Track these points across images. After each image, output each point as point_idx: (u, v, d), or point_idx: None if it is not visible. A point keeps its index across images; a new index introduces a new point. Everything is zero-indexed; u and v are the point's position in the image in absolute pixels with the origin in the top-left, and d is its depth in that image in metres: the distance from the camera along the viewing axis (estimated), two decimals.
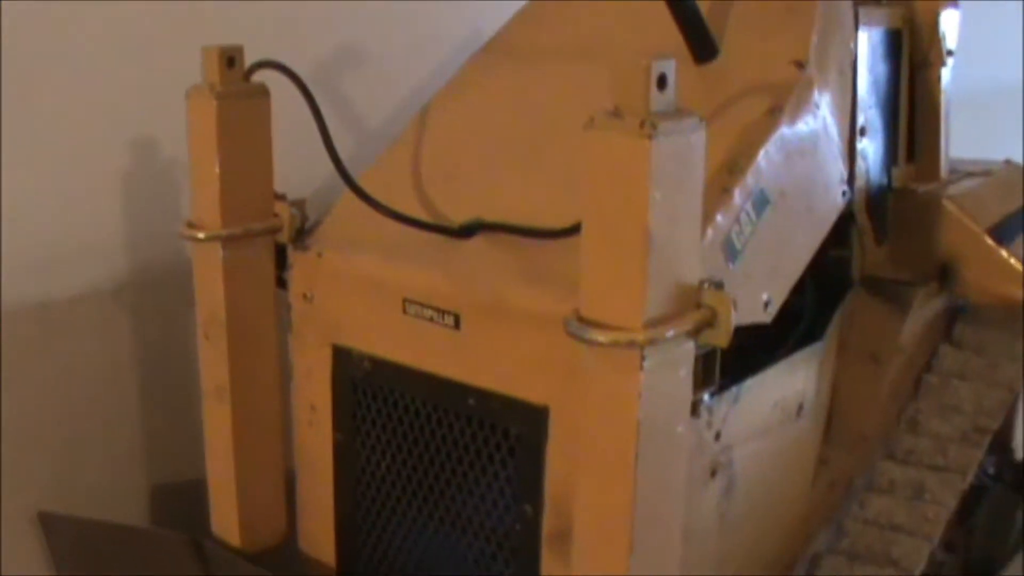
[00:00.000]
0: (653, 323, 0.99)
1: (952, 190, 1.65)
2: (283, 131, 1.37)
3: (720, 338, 1.05)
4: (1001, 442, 1.68)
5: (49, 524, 1.53)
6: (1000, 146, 1.97)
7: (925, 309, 1.59)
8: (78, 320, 1.57)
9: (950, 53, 1.67)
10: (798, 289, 1.44)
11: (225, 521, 1.44)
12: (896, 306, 1.55)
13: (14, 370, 1.51)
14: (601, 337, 0.99)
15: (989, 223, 1.62)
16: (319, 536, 1.43)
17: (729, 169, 1.20)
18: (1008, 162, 1.85)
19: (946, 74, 1.68)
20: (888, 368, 1.53)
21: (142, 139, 1.59)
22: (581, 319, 1.01)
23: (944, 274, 1.60)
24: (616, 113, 0.97)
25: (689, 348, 1.04)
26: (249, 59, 1.34)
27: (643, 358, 0.99)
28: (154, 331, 1.64)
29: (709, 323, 1.04)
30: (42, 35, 1.47)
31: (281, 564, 1.45)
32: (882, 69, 1.58)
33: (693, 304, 1.04)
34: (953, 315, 1.66)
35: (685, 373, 1.05)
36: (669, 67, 0.97)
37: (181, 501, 1.63)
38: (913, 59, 1.65)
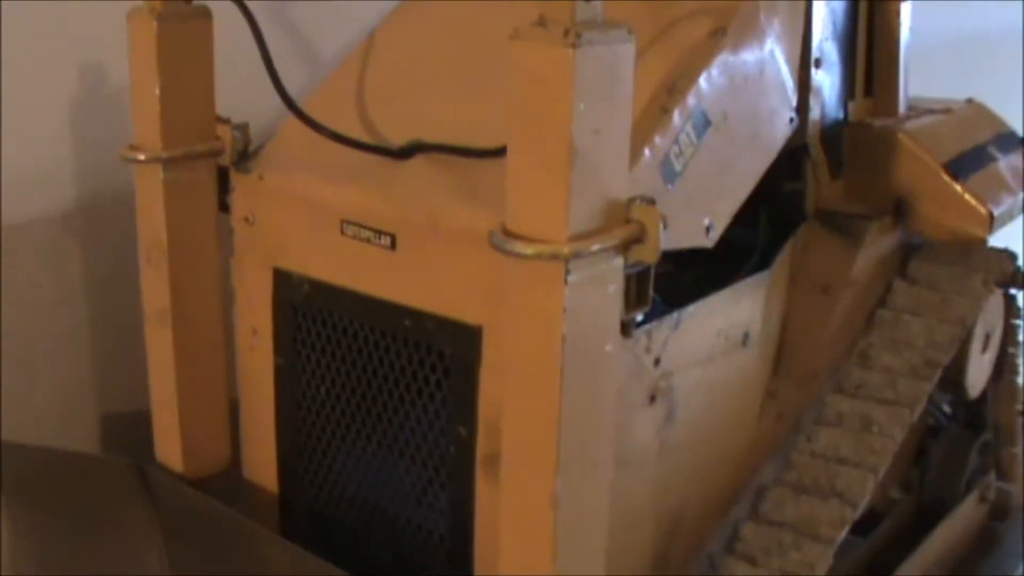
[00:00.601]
0: (578, 237, 0.98)
1: (909, 125, 1.64)
2: (237, 55, 1.35)
3: (649, 254, 1.04)
4: (955, 380, 1.67)
5: None
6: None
7: (879, 244, 1.58)
8: (27, 247, 1.56)
9: None
10: (752, 222, 1.43)
11: (168, 447, 1.43)
12: (849, 239, 1.54)
13: None
14: (524, 249, 0.98)
15: (946, 158, 1.60)
16: (261, 462, 1.42)
17: (669, 89, 1.19)
18: (970, 101, 1.84)
19: (906, 8, 1.66)
20: (839, 301, 1.52)
21: (91, 64, 1.57)
22: (506, 232, 1.00)
23: (899, 209, 1.59)
24: (540, 23, 0.96)
25: (618, 265, 1.03)
26: None
27: (568, 272, 0.98)
28: (104, 258, 1.63)
29: (638, 239, 1.03)
30: None
31: (225, 490, 1.44)
32: (839, 3, 1.57)
33: (622, 220, 1.03)
34: (908, 251, 1.65)
35: (614, 290, 1.04)
36: None
37: (133, 430, 1.62)
38: None
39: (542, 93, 0.96)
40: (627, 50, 0.98)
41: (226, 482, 1.46)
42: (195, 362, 1.40)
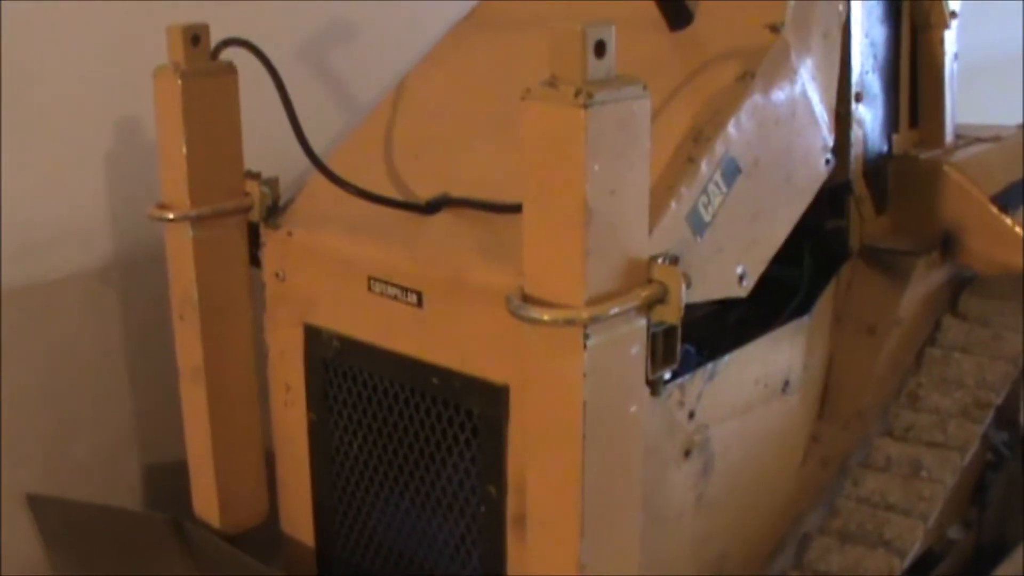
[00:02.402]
0: (596, 300, 0.96)
1: (956, 156, 1.59)
2: (263, 112, 1.35)
3: (671, 314, 1.01)
4: (1010, 419, 1.62)
5: (37, 506, 1.52)
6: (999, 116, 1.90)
7: (926, 280, 1.54)
8: (66, 301, 1.57)
9: (953, 15, 1.61)
10: (795, 259, 1.40)
11: (205, 502, 1.43)
12: (895, 277, 1.50)
13: (4, 352, 1.50)
14: (541, 315, 0.96)
15: (994, 189, 1.56)
16: (298, 516, 1.41)
17: (694, 138, 1.16)
18: (1022, 127, 1.79)
19: (949, 36, 1.62)
20: (886, 341, 1.48)
21: (126, 121, 1.57)
22: (524, 297, 0.98)
23: (947, 243, 1.54)
24: (551, 82, 0.94)
25: (640, 325, 1.01)
26: (228, 35, 1.32)
27: (586, 336, 0.96)
28: (142, 311, 1.63)
29: (660, 299, 1.00)
30: (31, 21, 1.46)
31: (262, 543, 1.43)
32: (880, 32, 1.53)
33: (643, 280, 1.00)
34: (958, 286, 1.60)
35: (637, 351, 1.02)
36: (608, 33, 0.93)
37: (172, 482, 1.62)
38: (915, 21, 1.60)
39: (554, 154, 0.94)
40: (642, 106, 0.96)
41: (263, 535, 1.45)
42: (230, 417, 1.39)
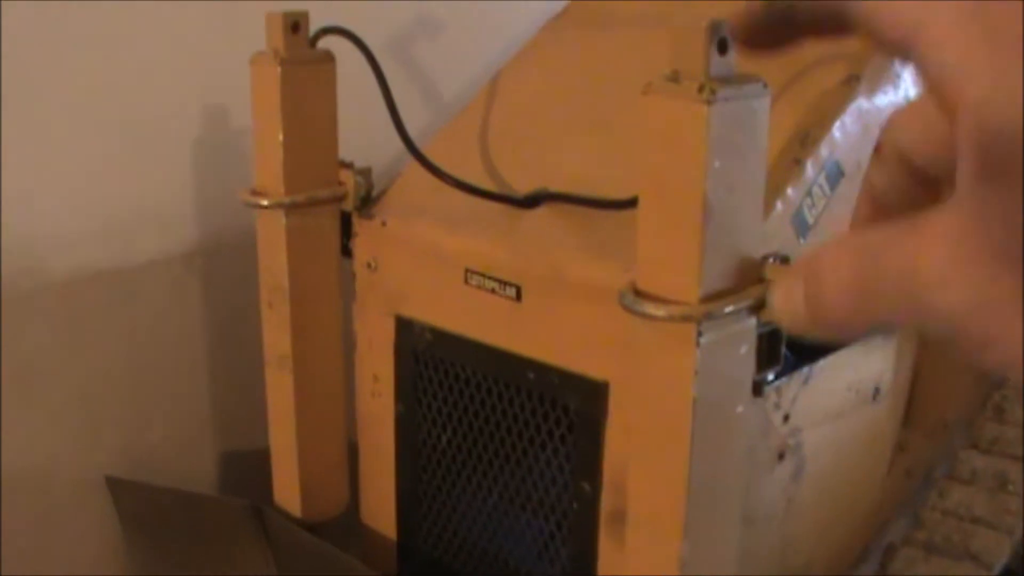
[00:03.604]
0: (711, 297, 0.95)
1: None
2: (357, 99, 1.35)
3: None
4: None
5: (116, 489, 1.53)
6: None
7: None
8: (150, 286, 1.57)
9: None
10: None
11: (286, 490, 1.43)
12: None
13: (87, 335, 1.51)
14: (655, 311, 0.96)
15: None
16: (380, 508, 1.41)
17: (801, 140, 1.16)
18: None
19: None
20: None
21: (213, 107, 1.58)
22: (636, 292, 0.98)
23: None
24: (674, 77, 0.93)
25: (750, 325, 1.00)
26: (323, 24, 1.32)
27: (699, 333, 0.95)
28: (225, 297, 1.63)
29: None
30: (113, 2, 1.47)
31: (342, 535, 1.43)
32: None
33: (755, 279, 1.00)
34: None
35: (746, 351, 1.01)
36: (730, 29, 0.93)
37: (249, 469, 1.62)
38: None
39: (675, 150, 0.94)
40: (763, 104, 0.95)
41: (343, 526, 1.46)
42: (315, 407, 1.39)
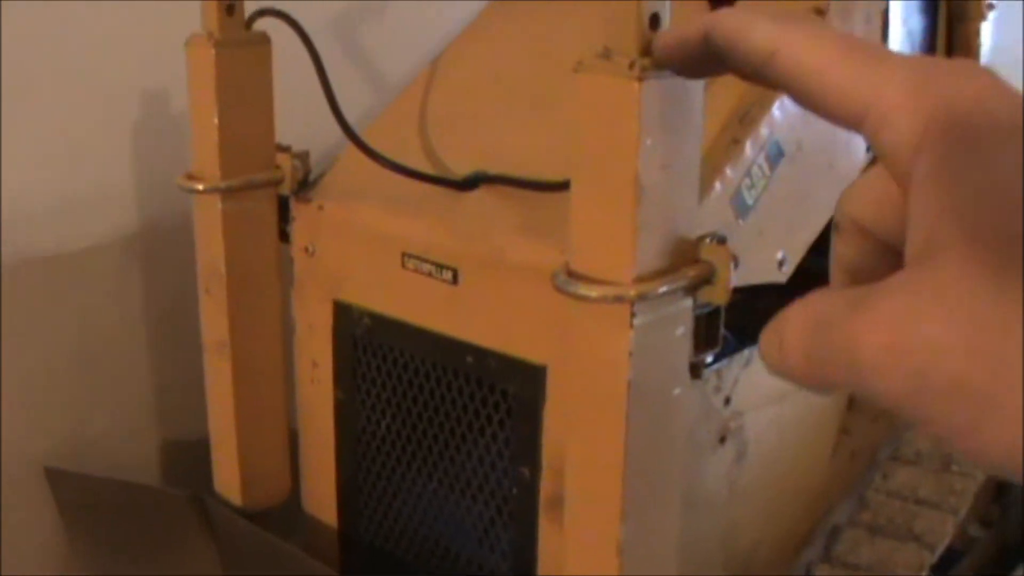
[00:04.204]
0: (644, 278, 0.94)
1: None
2: (297, 82, 1.33)
3: (719, 295, 1.00)
4: None
5: (55, 480, 1.51)
6: None
7: None
8: (88, 271, 1.55)
9: (991, 7, 1.59)
10: (825, 250, 1.38)
11: (227, 479, 1.41)
12: None
13: (24, 321, 1.49)
14: (588, 291, 0.94)
15: None
16: (321, 495, 1.40)
17: (740, 119, 1.15)
18: None
19: (986, 29, 1.60)
20: None
21: (152, 89, 1.56)
22: (570, 273, 0.97)
23: None
24: (605, 54, 0.92)
25: (686, 306, 0.99)
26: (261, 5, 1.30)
27: (633, 315, 0.94)
28: (165, 283, 1.61)
29: (707, 279, 0.99)
30: None
31: (284, 523, 1.42)
32: (917, 22, 1.51)
33: (691, 259, 0.99)
34: None
35: (682, 332, 1.00)
36: (663, 7, 0.92)
37: (192, 457, 1.60)
38: (951, 12, 1.58)
39: (606, 127, 0.92)
40: (696, 83, 0.94)
41: (285, 514, 1.44)
42: (254, 394, 1.37)
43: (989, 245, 0.32)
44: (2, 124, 1.42)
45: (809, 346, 0.36)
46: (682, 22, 0.48)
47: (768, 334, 0.38)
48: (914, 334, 0.32)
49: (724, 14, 0.44)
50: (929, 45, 1.55)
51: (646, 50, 0.90)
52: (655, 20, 0.91)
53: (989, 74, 0.35)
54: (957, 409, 0.31)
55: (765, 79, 0.42)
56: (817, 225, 1.25)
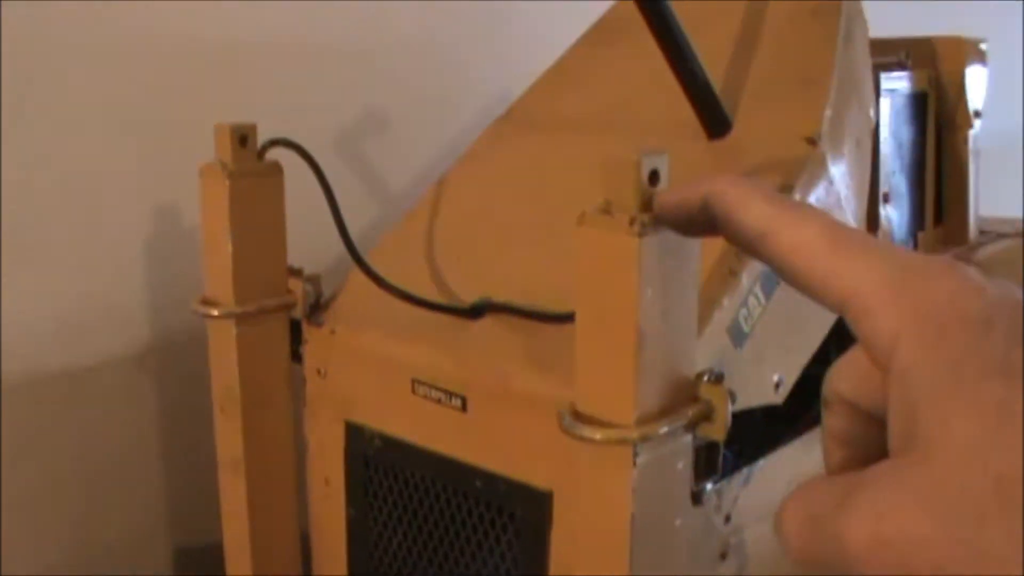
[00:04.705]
0: (645, 419, 0.98)
1: (982, 253, 1.62)
2: (304, 201, 1.38)
3: (717, 432, 1.04)
4: None
5: None
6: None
7: None
8: (102, 386, 1.59)
9: (977, 114, 1.65)
10: (822, 359, 1.42)
11: None
12: None
13: (37, 435, 1.53)
14: (593, 434, 0.99)
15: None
16: None
17: (737, 251, 1.19)
18: None
19: (973, 135, 1.66)
20: None
21: (164, 207, 1.60)
22: (575, 414, 1.01)
23: None
24: (606, 209, 0.96)
25: (686, 441, 1.03)
26: (265, 127, 1.35)
27: (636, 454, 0.98)
28: (177, 396, 1.65)
29: (706, 416, 1.03)
30: (63, 99, 1.49)
31: None
32: (906, 132, 1.57)
33: (690, 397, 1.03)
34: None
35: (683, 466, 1.04)
36: (661, 162, 0.96)
37: (203, 565, 1.64)
38: (939, 120, 1.63)
39: (608, 279, 0.97)
40: None
41: None
42: (268, 509, 1.41)
43: (964, 441, 0.34)
44: (14, 238, 1.46)
45: (805, 537, 0.39)
46: (689, 174, 0.51)
47: (775, 521, 0.42)
48: (895, 527, 0.35)
49: (722, 183, 0.49)
50: (919, 153, 1.61)
51: (646, 206, 0.94)
52: (654, 176, 0.96)
53: (962, 272, 0.39)
54: None
55: (755, 255, 0.46)
56: (811, 347, 1.30)
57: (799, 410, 1.38)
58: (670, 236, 0.96)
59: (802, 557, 0.40)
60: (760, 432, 1.32)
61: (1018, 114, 3.17)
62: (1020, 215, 1.84)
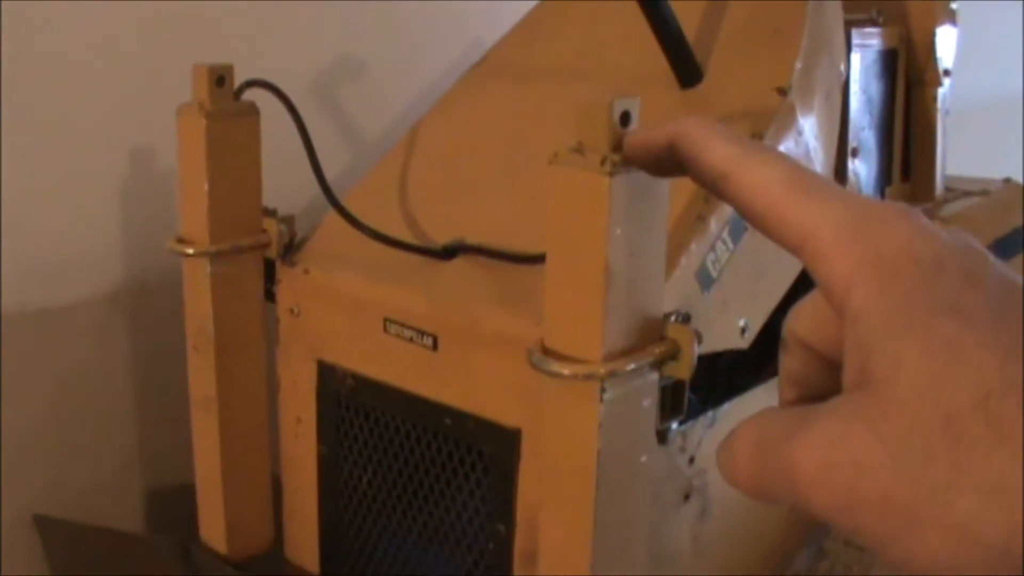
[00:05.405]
0: (613, 356, 1.00)
1: (946, 210, 1.65)
2: (280, 143, 1.39)
3: (682, 371, 1.06)
4: None
5: (45, 527, 1.56)
6: (1000, 160, 1.97)
7: None
8: (75, 326, 1.60)
9: (947, 73, 1.67)
10: (786, 309, 1.45)
11: (212, 528, 1.46)
12: None
13: (11, 375, 1.54)
14: (561, 369, 1.01)
15: (983, 244, 1.61)
16: (304, 545, 1.45)
17: (705, 197, 1.21)
18: (1008, 181, 1.85)
19: (942, 94, 1.68)
20: None
21: (140, 148, 1.61)
22: (544, 350, 1.03)
23: None
24: (578, 149, 0.98)
25: (653, 380, 1.06)
26: (241, 70, 1.36)
27: (603, 390, 1.01)
28: (150, 337, 1.67)
29: (672, 356, 1.05)
30: (41, 43, 1.49)
31: (267, 571, 1.47)
32: (876, 89, 1.59)
33: (657, 336, 1.05)
34: None
35: (649, 404, 1.07)
36: (633, 104, 0.98)
37: (175, 504, 1.65)
38: (909, 78, 1.66)
39: (578, 218, 0.99)
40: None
41: (268, 562, 1.49)
42: (240, 447, 1.43)
43: (915, 378, 0.36)
44: None
45: (754, 464, 0.40)
46: (660, 120, 0.53)
47: (722, 449, 0.43)
48: (846, 453, 0.36)
49: (688, 125, 0.50)
50: (888, 110, 1.63)
51: (617, 146, 0.96)
52: (626, 118, 0.98)
53: (916, 218, 0.40)
54: (883, 522, 0.35)
55: (718, 195, 0.47)
56: (777, 293, 1.32)
57: (764, 359, 1.41)
58: (640, 177, 0.98)
59: (750, 485, 0.41)
60: (725, 380, 1.34)
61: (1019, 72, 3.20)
62: (988, 176, 1.87)
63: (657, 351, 1.04)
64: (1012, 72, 3.23)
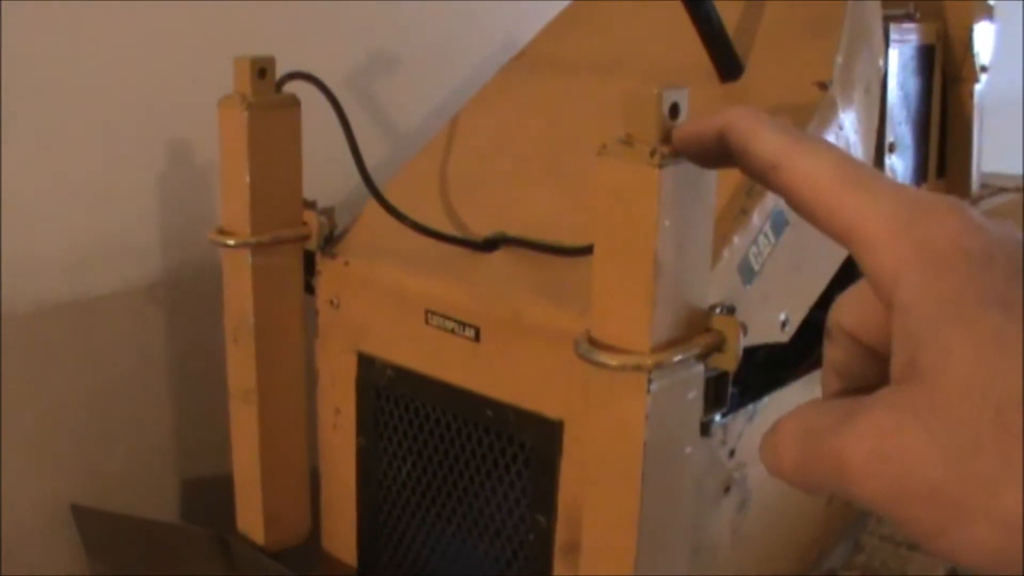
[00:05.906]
0: (660, 347, 1.01)
1: (982, 207, 1.65)
2: (319, 135, 1.39)
3: (728, 362, 1.06)
4: None
5: (81, 516, 1.57)
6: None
7: None
8: (113, 317, 1.61)
9: (984, 69, 1.67)
10: (825, 304, 1.45)
11: (250, 519, 1.47)
12: None
13: (50, 365, 1.55)
14: (608, 360, 1.01)
15: None
16: (341, 536, 1.46)
17: (748, 191, 1.21)
18: None
19: (979, 90, 1.68)
20: None
21: (178, 141, 1.62)
22: (591, 341, 1.03)
23: None
24: (627, 140, 0.99)
25: (698, 371, 1.06)
26: (282, 63, 1.36)
27: (650, 381, 1.01)
28: (186, 328, 1.67)
29: (718, 347, 1.06)
30: (80, 37, 1.50)
31: (304, 562, 1.48)
32: (913, 84, 1.59)
33: (703, 328, 1.05)
34: None
35: (694, 396, 1.07)
36: (681, 96, 0.98)
37: (211, 495, 1.66)
38: (946, 73, 1.66)
39: (627, 209, 0.99)
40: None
41: (305, 553, 1.50)
42: (278, 438, 1.43)
43: (964, 370, 0.36)
44: (29, 172, 1.48)
45: (800, 454, 0.40)
46: (702, 114, 0.53)
47: (766, 441, 0.43)
48: (896, 444, 0.36)
49: (738, 116, 0.50)
50: (925, 105, 1.63)
51: (665, 138, 0.96)
52: (675, 110, 0.98)
53: (965, 211, 0.40)
54: (932, 513, 0.35)
55: (767, 186, 0.47)
56: (818, 287, 1.32)
57: (802, 354, 1.41)
58: (688, 169, 0.99)
59: (795, 475, 0.41)
60: (763, 375, 1.35)
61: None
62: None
63: (703, 343, 1.04)
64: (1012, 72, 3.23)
